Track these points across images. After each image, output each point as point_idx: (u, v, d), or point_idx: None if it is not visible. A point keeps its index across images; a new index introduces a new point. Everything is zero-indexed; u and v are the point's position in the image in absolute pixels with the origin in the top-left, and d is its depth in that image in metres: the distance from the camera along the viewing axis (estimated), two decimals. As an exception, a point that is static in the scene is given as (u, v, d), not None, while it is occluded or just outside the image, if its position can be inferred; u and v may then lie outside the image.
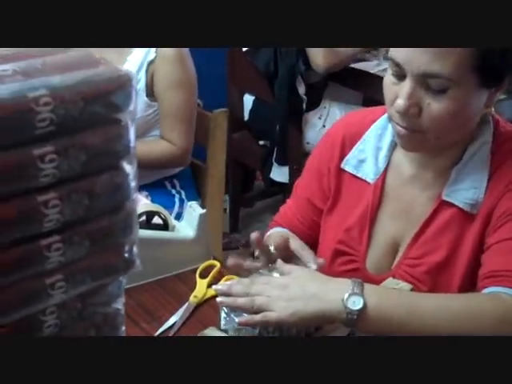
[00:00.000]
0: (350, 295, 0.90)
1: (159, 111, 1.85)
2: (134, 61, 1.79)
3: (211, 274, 1.36)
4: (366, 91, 2.33)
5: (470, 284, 1.07)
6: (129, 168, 0.49)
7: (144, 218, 1.39)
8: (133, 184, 0.50)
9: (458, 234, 1.07)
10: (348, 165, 1.18)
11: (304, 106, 2.33)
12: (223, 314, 0.99)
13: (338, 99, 2.37)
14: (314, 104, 2.36)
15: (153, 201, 1.56)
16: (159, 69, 1.79)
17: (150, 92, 1.82)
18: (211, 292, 1.33)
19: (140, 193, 1.67)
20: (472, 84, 0.96)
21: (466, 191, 1.06)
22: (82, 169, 0.48)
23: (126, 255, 0.52)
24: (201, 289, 1.34)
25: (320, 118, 2.34)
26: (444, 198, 1.08)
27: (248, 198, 2.96)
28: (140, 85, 1.80)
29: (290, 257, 1.07)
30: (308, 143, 2.35)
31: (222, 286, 0.98)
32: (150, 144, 1.86)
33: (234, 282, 1.00)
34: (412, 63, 0.95)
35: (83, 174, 0.48)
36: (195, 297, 1.30)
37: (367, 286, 0.93)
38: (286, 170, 2.39)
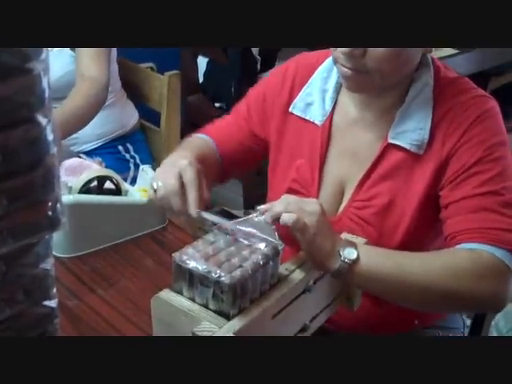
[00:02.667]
0: (345, 246, 0.95)
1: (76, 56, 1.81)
2: None
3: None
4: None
5: (415, 227, 1.09)
6: (45, 121, 0.47)
7: (95, 183, 1.36)
8: (50, 138, 0.48)
9: (406, 176, 1.09)
10: (296, 108, 1.20)
11: (258, 66, 2.31)
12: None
13: (293, 58, 2.35)
14: (269, 64, 2.34)
15: (107, 167, 1.53)
16: None
17: None
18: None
19: (93, 159, 1.65)
20: None
21: (412, 132, 1.08)
22: (-9, 123, 0.46)
23: (50, 213, 0.50)
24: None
25: (275, 79, 2.32)
26: (390, 140, 1.10)
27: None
28: None
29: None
30: (264, 104, 2.33)
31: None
32: (72, 97, 1.78)
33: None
34: None
35: (-6, 128, 0.46)
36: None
37: (358, 242, 0.98)
38: (243, 131, 2.38)
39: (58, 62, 1.82)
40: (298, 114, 1.20)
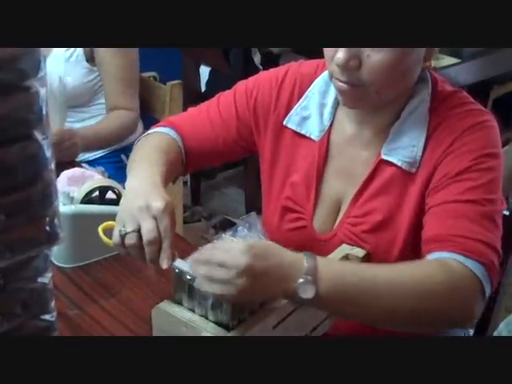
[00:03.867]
0: (301, 284, 0.86)
1: (103, 79, 1.84)
2: None
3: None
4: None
5: (411, 243, 1.07)
6: (42, 138, 0.48)
7: (97, 193, 1.37)
8: (48, 154, 0.48)
9: (399, 193, 1.08)
10: (291, 122, 1.17)
11: (260, 75, 2.31)
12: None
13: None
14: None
15: (110, 177, 1.54)
16: None
17: (91, 57, 1.82)
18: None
19: (95, 169, 1.65)
20: None
21: (404, 150, 1.06)
22: (-11, 140, 0.46)
23: (48, 228, 0.51)
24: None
25: (277, 88, 2.33)
26: (383, 156, 1.08)
27: (209, 169, 2.94)
28: (78, 50, 1.80)
29: None
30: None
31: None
32: (113, 121, 1.86)
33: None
34: None
35: (-9, 145, 0.46)
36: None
37: (321, 265, 0.87)
38: (245, 140, 2.38)
39: (74, 73, 1.84)
40: (293, 128, 1.16)
